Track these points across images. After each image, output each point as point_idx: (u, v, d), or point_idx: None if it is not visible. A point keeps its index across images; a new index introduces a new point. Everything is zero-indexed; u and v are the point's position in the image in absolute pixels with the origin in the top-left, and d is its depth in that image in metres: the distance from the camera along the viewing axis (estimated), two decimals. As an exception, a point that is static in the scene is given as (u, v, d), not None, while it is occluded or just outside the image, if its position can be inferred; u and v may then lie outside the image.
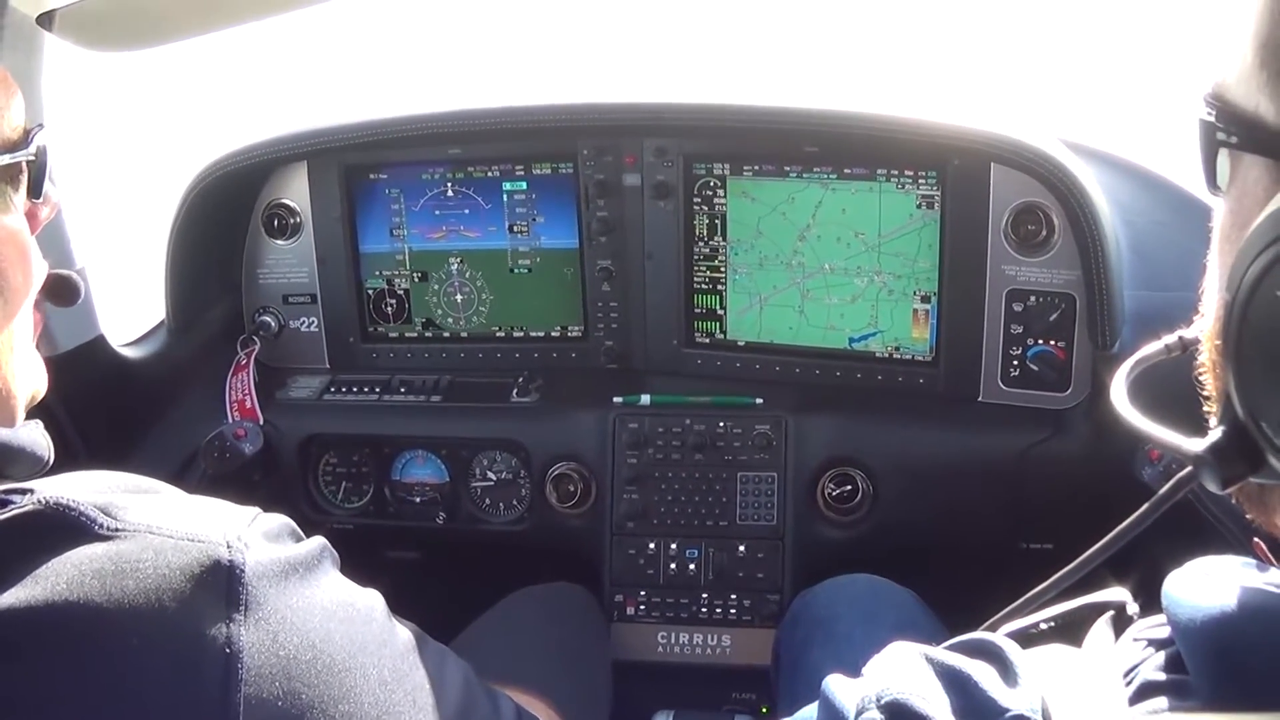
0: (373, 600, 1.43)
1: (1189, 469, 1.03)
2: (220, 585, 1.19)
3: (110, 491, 1.24)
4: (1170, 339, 1.27)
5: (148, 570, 1.16)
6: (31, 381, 1.51)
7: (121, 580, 1.14)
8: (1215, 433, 0.96)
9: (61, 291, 1.76)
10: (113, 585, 1.14)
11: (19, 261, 1.43)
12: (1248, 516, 1.07)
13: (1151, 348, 1.30)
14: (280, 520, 1.35)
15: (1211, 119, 0.97)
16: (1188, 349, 1.23)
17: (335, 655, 1.27)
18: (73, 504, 1.17)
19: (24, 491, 1.19)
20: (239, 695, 1.15)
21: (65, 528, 1.16)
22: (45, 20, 2.12)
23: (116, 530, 1.18)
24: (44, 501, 1.17)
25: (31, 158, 1.47)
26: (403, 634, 1.47)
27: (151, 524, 1.20)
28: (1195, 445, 0.97)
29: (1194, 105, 1.00)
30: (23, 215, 1.47)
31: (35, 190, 1.50)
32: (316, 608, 1.28)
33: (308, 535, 1.39)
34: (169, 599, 1.15)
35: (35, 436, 1.40)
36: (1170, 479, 1.38)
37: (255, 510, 1.32)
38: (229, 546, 1.21)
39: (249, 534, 1.25)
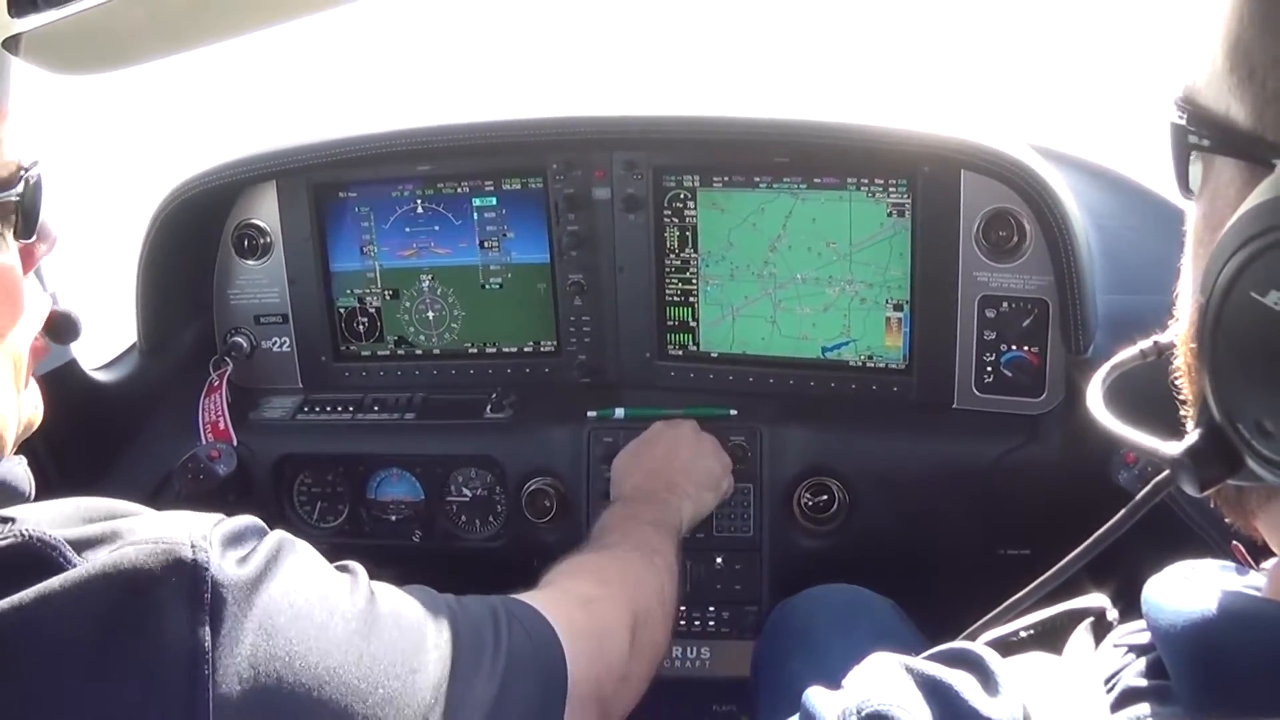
0: (342, 583, 1.43)
1: (1166, 473, 1.03)
2: (185, 584, 1.19)
3: (87, 523, 1.23)
4: (1145, 344, 1.27)
5: (113, 575, 1.16)
6: (20, 416, 1.50)
7: (88, 584, 1.14)
8: (1192, 436, 0.96)
9: (59, 328, 1.74)
10: (77, 590, 1.14)
11: (2, 300, 1.42)
12: (1226, 520, 1.07)
13: (1127, 353, 1.31)
14: (246, 520, 1.35)
15: (1182, 122, 0.98)
16: (1163, 353, 1.23)
17: (308, 645, 1.27)
18: (53, 541, 1.17)
19: (4, 521, 1.19)
20: (207, 695, 1.15)
21: (42, 563, 1.15)
22: (11, 44, 2.10)
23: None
24: (24, 534, 1.16)
25: (18, 197, 1.44)
26: (384, 605, 1.46)
27: (121, 542, 1.20)
28: (1173, 449, 0.97)
29: (1165, 109, 1.00)
30: (15, 253, 1.45)
31: (27, 230, 1.47)
32: (284, 603, 1.27)
33: None
34: (134, 599, 1.16)
35: (17, 472, 1.39)
36: (1146, 483, 1.38)
37: (220, 515, 1.31)
38: (193, 547, 1.21)
39: (214, 534, 1.25)
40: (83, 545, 1.18)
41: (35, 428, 1.56)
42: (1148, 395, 1.27)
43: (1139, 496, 1.40)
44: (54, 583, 1.14)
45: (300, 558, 1.38)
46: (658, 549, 2.30)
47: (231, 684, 1.17)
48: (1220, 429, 0.92)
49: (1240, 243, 0.87)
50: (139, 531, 1.22)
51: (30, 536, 1.17)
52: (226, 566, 1.23)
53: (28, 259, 1.50)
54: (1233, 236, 0.88)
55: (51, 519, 1.22)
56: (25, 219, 1.46)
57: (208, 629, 1.17)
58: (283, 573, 1.31)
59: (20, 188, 1.44)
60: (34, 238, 1.50)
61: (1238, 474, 0.93)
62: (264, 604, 1.24)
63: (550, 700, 1.66)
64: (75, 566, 1.17)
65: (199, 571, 1.20)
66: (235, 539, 1.29)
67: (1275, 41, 0.87)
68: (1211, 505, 1.06)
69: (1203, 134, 0.96)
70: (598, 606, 1.94)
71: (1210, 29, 0.93)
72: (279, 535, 1.37)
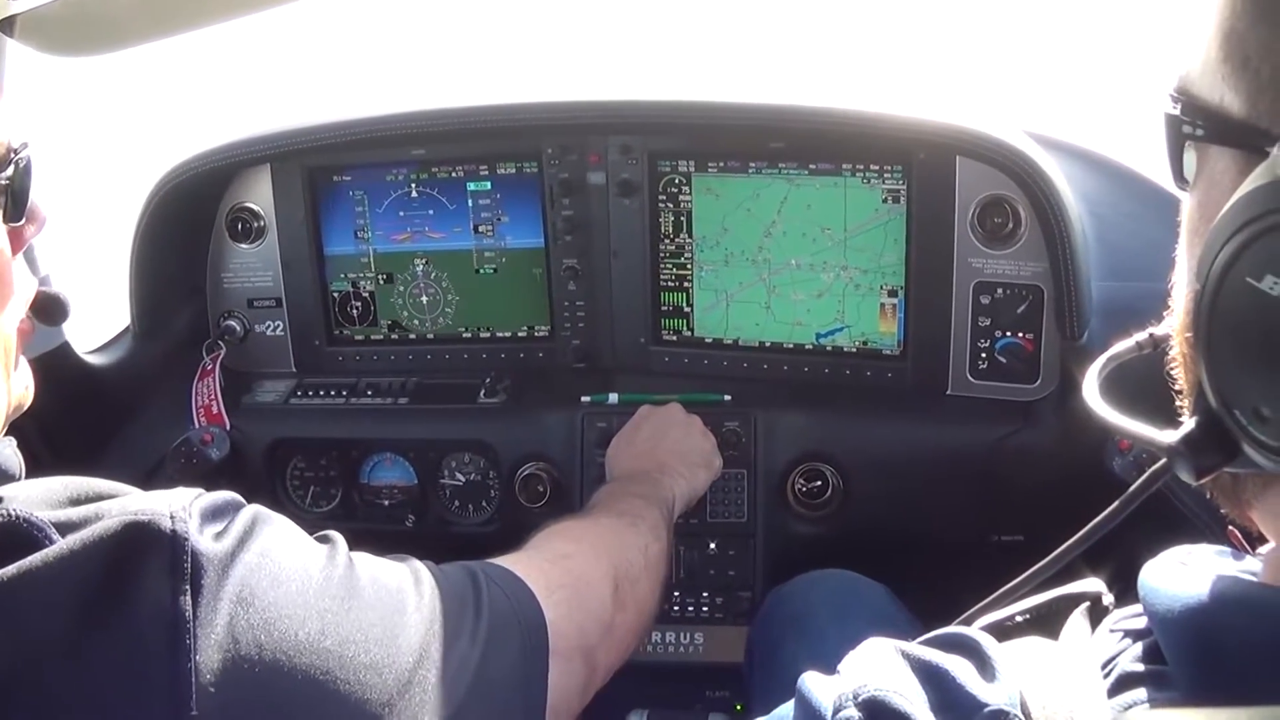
0: (320, 552, 1.42)
1: (1163, 461, 1.04)
2: (165, 554, 1.19)
3: (74, 504, 1.23)
4: (1141, 336, 1.27)
5: (94, 548, 1.16)
6: (10, 397, 1.50)
7: (69, 558, 1.15)
8: (1189, 424, 0.96)
9: (48, 310, 1.74)
10: (59, 564, 1.14)
11: None
12: (1221, 511, 1.07)
13: (1122, 345, 1.31)
14: (224, 495, 1.35)
15: (1177, 113, 0.98)
16: (1159, 346, 1.23)
17: (287, 612, 1.27)
18: (39, 522, 1.17)
19: None
20: (189, 664, 1.15)
21: (28, 543, 1.16)
22: (6, 26, 2.10)
23: None
24: (11, 515, 1.16)
25: (8, 180, 1.44)
26: (363, 572, 1.45)
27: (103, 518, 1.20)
28: (1170, 437, 0.98)
29: (1159, 100, 1.01)
30: (3, 234, 1.45)
31: (16, 213, 1.47)
32: (262, 572, 1.27)
33: None
34: (115, 570, 1.16)
35: (6, 454, 1.39)
36: (1141, 470, 1.39)
37: (199, 490, 1.31)
38: (173, 518, 1.21)
39: (193, 507, 1.25)
40: (68, 528, 1.19)
41: (25, 408, 1.56)
42: (1143, 385, 1.27)
43: (1135, 486, 1.41)
44: (35, 558, 1.14)
45: (276, 529, 1.37)
46: (640, 514, 2.29)
47: (212, 653, 1.17)
48: (1217, 416, 0.92)
49: (1235, 229, 0.87)
50: (119, 505, 1.23)
51: (17, 517, 1.17)
52: (205, 538, 1.23)
53: (16, 240, 1.50)
54: (1227, 223, 0.88)
55: (40, 499, 1.22)
56: (14, 201, 1.46)
57: (189, 598, 1.17)
58: (259, 543, 1.31)
59: (10, 171, 1.44)
60: (23, 220, 1.50)
61: (1234, 462, 0.93)
62: (241, 574, 1.24)
63: (533, 657, 1.65)
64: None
65: (179, 542, 1.20)
66: (214, 512, 1.29)
67: (1268, 29, 0.88)
68: (1208, 496, 1.06)
69: (1197, 124, 0.96)
70: (571, 560, 1.94)
71: (1204, 19, 0.94)
72: (255, 508, 1.38)
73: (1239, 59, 0.90)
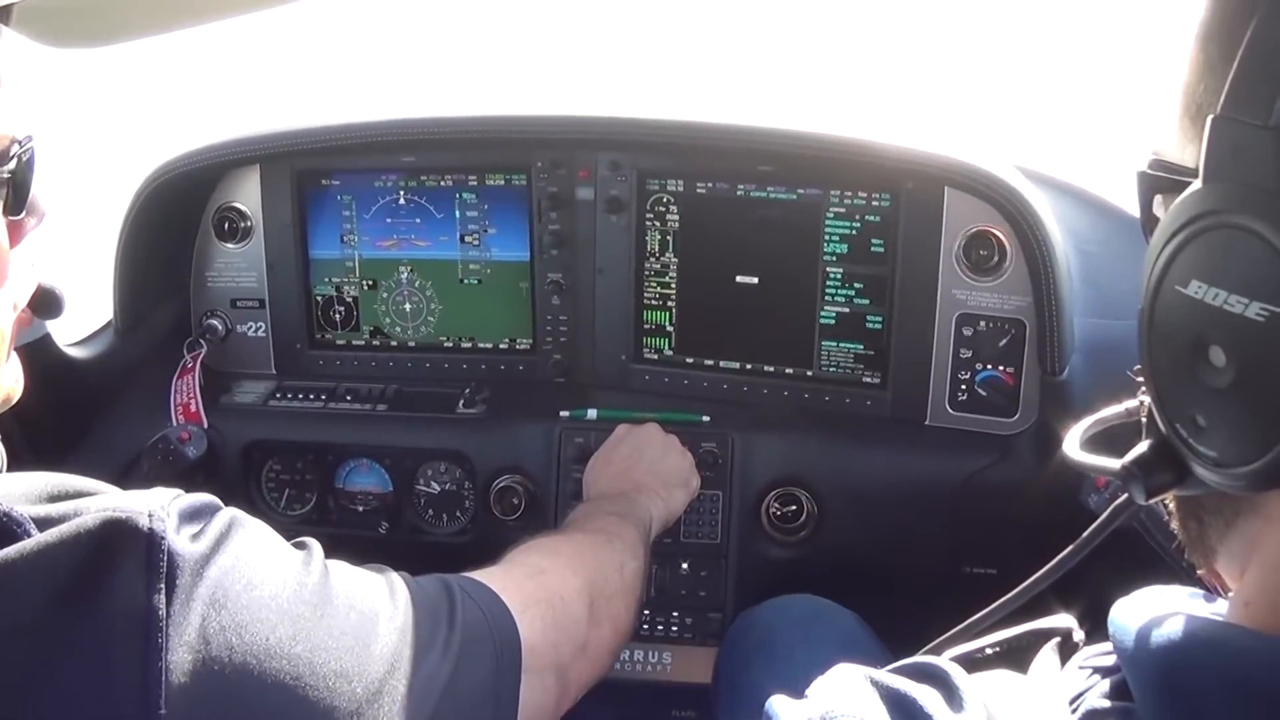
0: (295, 558, 1.42)
1: (1127, 495, 1.05)
2: (141, 552, 1.19)
3: (53, 500, 1.23)
4: (1131, 403, 1.28)
5: (70, 543, 1.16)
6: (1, 387, 1.50)
7: (45, 553, 1.15)
8: (1141, 446, 0.98)
9: (43, 303, 1.73)
10: (35, 558, 1.15)
11: None
12: (1185, 561, 1.08)
13: (1111, 410, 1.32)
14: (203, 496, 1.35)
15: (1147, 170, 1.01)
16: None
17: (258, 617, 1.27)
18: (18, 517, 1.17)
19: None
20: (160, 663, 1.15)
21: (6, 536, 1.16)
22: (3, 16, 2.09)
23: None
24: None
25: (9, 174, 1.43)
26: (337, 580, 1.45)
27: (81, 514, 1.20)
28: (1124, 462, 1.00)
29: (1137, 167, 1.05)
30: (2, 227, 1.44)
31: (17, 206, 1.46)
32: (235, 576, 1.28)
33: None
34: (90, 567, 1.16)
35: None
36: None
37: (178, 491, 1.32)
38: (150, 516, 1.21)
39: (171, 507, 1.25)
40: (46, 523, 1.19)
41: (13, 402, 1.56)
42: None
43: (1102, 518, 1.41)
44: (11, 550, 1.14)
45: (251, 533, 1.37)
46: (618, 532, 2.29)
47: (183, 654, 1.17)
48: (1167, 439, 0.95)
49: (1165, 241, 0.91)
50: (97, 503, 1.23)
51: None
52: (182, 538, 1.23)
53: (15, 233, 1.49)
54: (1160, 238, 0.92)
55: (20, 494, 1.22)
56: (16, 194, 1.45)
57: (163, 597, 1.18)
58: (235, 546, 1.31)
59: (13, 165, 1.43)
60: (23, 214, 1.49)
61: (1186, 482, 0.95)
62: (215, 577, 1.25)
63: (505, 672, 1.65)
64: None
65: (155, 540, 1.20)
66: (192, 514, 1.29)
67: (1213, 77, 0.90)
68: (1173, 547, 1.07)
69: (1162, 180, 0.99)
70: (547, 576, 1.94)
71: (1173, 84, 0.98)
72: (231, 511, 1.38)
73: (1194, 111, 0.93)
